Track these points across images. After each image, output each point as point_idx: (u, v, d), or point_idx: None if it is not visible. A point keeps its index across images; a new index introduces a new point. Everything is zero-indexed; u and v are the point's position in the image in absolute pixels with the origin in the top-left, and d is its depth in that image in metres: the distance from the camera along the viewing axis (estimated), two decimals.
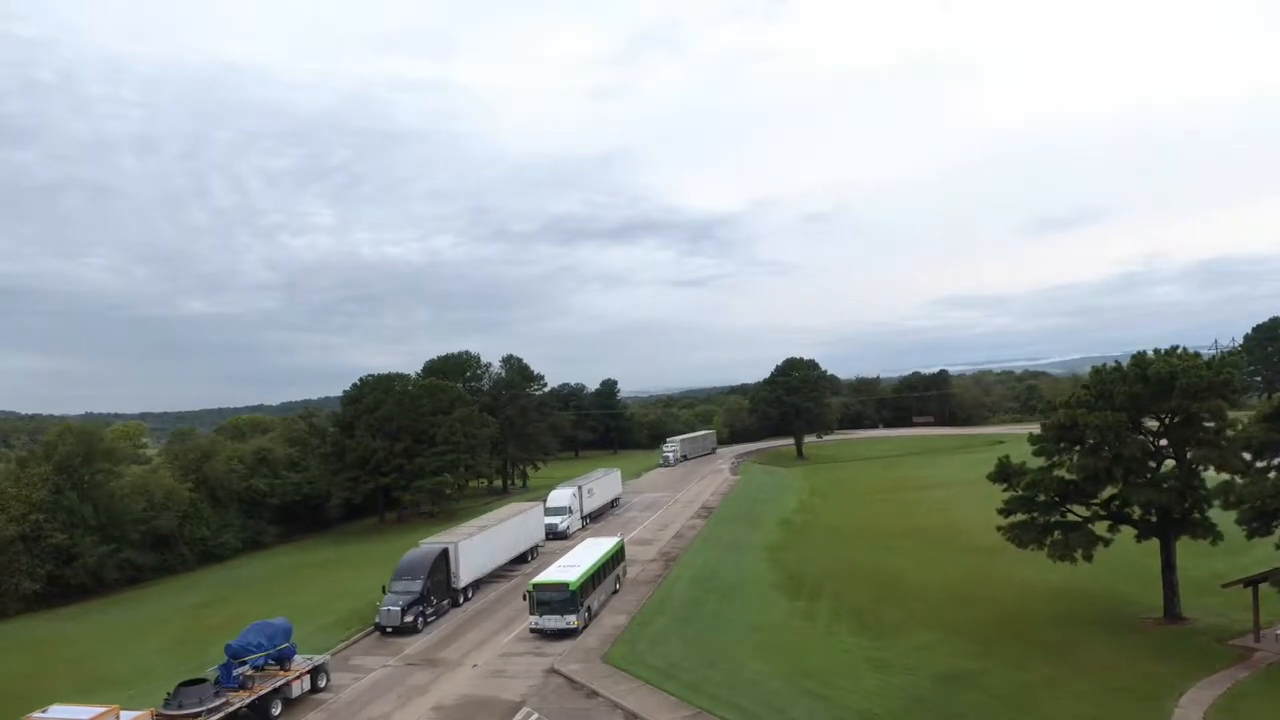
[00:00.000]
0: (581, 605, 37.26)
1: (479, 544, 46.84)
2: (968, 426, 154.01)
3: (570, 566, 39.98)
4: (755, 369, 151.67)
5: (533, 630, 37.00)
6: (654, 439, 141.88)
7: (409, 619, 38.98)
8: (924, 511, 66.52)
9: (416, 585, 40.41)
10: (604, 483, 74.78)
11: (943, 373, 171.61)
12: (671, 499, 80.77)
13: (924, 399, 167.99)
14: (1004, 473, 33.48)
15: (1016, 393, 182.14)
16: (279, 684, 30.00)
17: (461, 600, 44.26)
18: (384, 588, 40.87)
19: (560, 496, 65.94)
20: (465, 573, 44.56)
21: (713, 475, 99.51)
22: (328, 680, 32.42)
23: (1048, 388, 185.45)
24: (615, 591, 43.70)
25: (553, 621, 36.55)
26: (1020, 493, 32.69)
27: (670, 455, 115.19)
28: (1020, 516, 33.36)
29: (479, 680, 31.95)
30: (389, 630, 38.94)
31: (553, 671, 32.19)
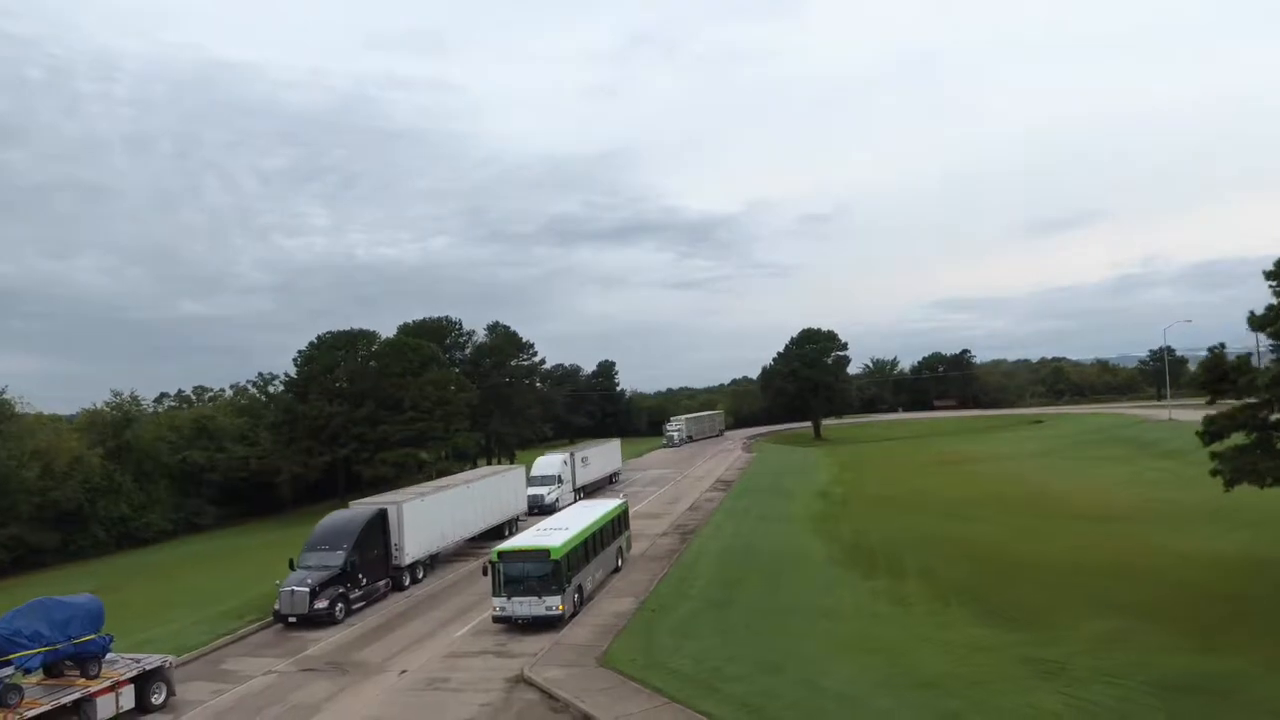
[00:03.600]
0: (569, 583, 25.59)
1: (433, 508, 35.12)
2: (995, 409, 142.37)
3: (555, 530, 28.38)
4: (755, 369, 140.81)
5: (496, 619, 25.30)
6: (654, 425, 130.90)
7: (321, 604, 27.21)
8: (996, 481, 54.85)
9: (336, 558, 28.65)
10: (601, 452, 63.08)
11: (965, 352, 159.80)
12: (680, 475, 69.02)
13: (944, 381, 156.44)
14: (1217, 372, 21.78)
15: (1041, 376, 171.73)
16: (70, 698, 18.36)
17: (407, 582, 32.55)
18: (291, 562, 29.19)
19: (548, 463, 54.20)
20: (412, 545, 32.81)
21: (724, 454, 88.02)
22: (168, 693, 20.71)
23: (1072, 371, 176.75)
24: (617, 569, 32.03)
25: (526, 606, 24.84)
26: (1253, 399, 20.99)
27: (675, 435, 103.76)
28: (1241, 438, 21.72)
29: (403, 696, 20.22)
30: (292, 620, 27.18)
31: (521, 681, 20.51)
